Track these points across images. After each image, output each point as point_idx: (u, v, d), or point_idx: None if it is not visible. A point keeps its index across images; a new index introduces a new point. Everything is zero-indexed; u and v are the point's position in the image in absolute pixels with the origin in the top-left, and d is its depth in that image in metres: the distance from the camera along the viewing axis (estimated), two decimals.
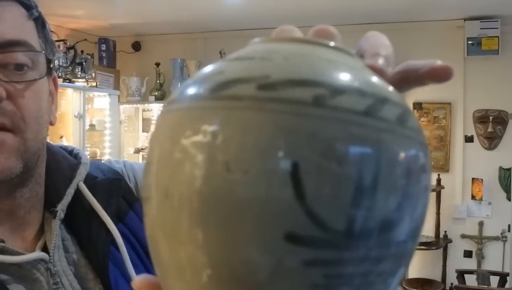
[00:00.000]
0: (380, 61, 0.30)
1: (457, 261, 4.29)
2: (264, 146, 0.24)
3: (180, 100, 0.29)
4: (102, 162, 0.77)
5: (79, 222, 0.65)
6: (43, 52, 0.61)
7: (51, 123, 0.64)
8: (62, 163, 0.68)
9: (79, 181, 0.66)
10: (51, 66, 0.63)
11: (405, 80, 0.31)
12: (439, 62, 0.32)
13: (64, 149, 0.72)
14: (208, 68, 0.30)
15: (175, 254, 0.27)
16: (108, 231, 0.64)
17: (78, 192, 0.66)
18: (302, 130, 0.24)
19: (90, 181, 0.68)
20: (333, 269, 0.25)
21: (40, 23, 0.62)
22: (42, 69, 0.61)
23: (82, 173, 0.67)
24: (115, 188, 0.69)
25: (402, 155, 0.26)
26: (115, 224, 0.65)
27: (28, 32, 0.60)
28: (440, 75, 0.31)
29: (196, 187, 0.25)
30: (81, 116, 4.15)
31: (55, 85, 0.66)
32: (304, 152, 0.24)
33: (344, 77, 0.26)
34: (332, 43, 0.30)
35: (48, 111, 0.63)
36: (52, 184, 0.66)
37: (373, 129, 0.25)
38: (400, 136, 0.27)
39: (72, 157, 0.71)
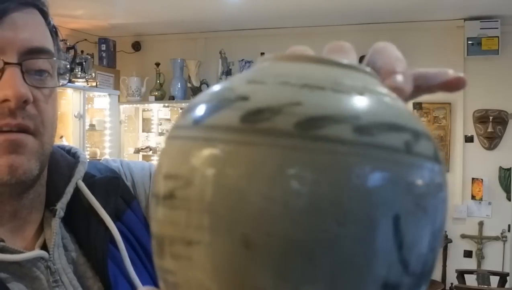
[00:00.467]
0: (399, 79, 0.30)
1: (457, 261, 4.29)
2: (370, 196, 0.24)
3: (239, 131, 0.25)
4: (99, 161, 0.77)
5: (78, 220, 0.66)
6: (65, 60, 0.65)
7: None
8: (60, 162, 0.68)
9: (77, 179, 0.67)
10: (69, 73, 0.67)
11: (417, 89, 0.31)
12: (451, 72, 0.32)
13: (62, 148, 0.72)
14: (270, 94, 0.26)
15: None
16: (107, 229, 0.65)
17: (77, 191, 0.66)
18: (401, 180, 0.25)
19: (88, 179, 0.68)
20: None
21: (54, 32, 0.64)
22: (58, 76, 0.64)
23: (80, 171, 0.68)
24: (113, 186, 0.69)
25: (447, 193, 0.29)
26: (114, 223, 0.65)
27: (49, 40, 0.62)
28: (454, 86, 0.32)
29: (292, 236, 0.24)
30: (81, 116, 4.15)
31: None
32: (403, 202, 0.25)
33: (411, 118, 0.27)
34: (369, 69, 0.30)
35: None
36: (52, 183, 0.66)
37: (441, 175, 0.27)
38: (445, 176, 0.28)
39: (70, 155, 0.71)
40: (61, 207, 0.64)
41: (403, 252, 0.25)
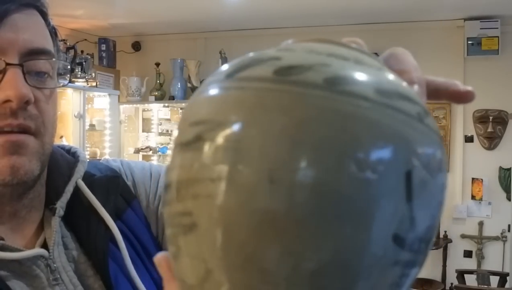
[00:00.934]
0: (417, 90, 0.31)
1: (457, 261, 4.29)
2: (387, 149, 0.27)
3: (272, 81, 0.27)
4: (100, 161, 0.78)
5: (78, 219, 0.66)
6: (64, 61, 0.65)
7: None
8: (60, 161, 0.68)
9: (77, 178, 0.67)
10: (69, 74, 0.67)
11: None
12: (460, 85, 0.33)
13: (62, 147, 0.73)
14: (300, 56, 0.29)
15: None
16: (107, 228, 0.65)
17: (77, 190, 0.67)
18: (413, 141, 0.27)
19: (88, 178, 0.68)
20: (407, 271, 0.28)
21: (53, 33, 0.65)
22: (58, 77, 0.64)
23: (80, 170, 0.68)
24: (113, 185, 0.69)
25: (446, 175, 0.31)
26: (114, 222, 0.66)
27: (49, 41, 0.63)
28: (463, 98, 0.33)
29: (315, 175, 0.26)
30: (81, 116, 4.16)
31: None
32: (415, 161, 0.27)
33: (420, 99, 0.30)
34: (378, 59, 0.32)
35: None
36: (52, 182, 0.66)
37: (443, 152, 0.30)
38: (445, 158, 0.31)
39: (70, 155, 0.71)
40: (61, 205, 0.64)
41: (412, 209, 0.27)
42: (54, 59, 0.62)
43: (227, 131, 0.27)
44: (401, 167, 0.27)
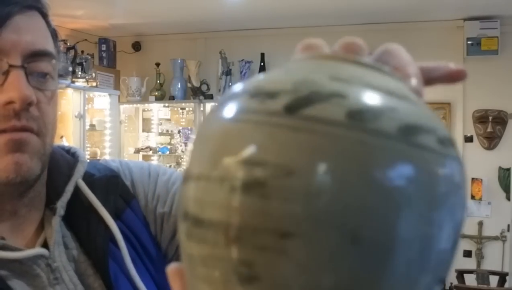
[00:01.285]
0: (415, 83, 0.31)
1: (456, 261, 4.28)
2: (451, 200, 0.27)
3: (347, 128, 0.26)
4: (99, 161, 0.78)
5: (78, 218, 0.66)
6: (66, 62, 0.65)
7: None
8: (60, 161, 0.69)
9: (77, 178, 0.67)
10: (70, 75, 0.67)
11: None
12: (451, 65, 0.34)
13: (61, 148, 0.73)
14: (365, 96, 0.27)
15: None
16: (107, 228, 0.65)
17: (76, 189, 0.67)
18: (463, 187, 0.29)
19: (88, 178, 0.69)
20: None
21: (54, 34, 0.65)
22: (58, 78, 0.65)
23: (80, 170, 0.68)
24: (113, 185, 0.70)
25: None
26: (113, 221, 0.66)
27: (50, 43, 0.63)
28: (456, 77, 0.34)
29: (396, 231, 0.25)
30: (81, 116, 4.16)
31: None
32: (462, 208, 0.29)
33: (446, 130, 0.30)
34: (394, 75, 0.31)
35: None
36: (52, 182, 0.67)
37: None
38: None
39: (69, 155, 0.72)
40: (61, 205, 0.65)
41: (453, 254, 0.28)
42: (56, 61, 0.63)
43: (302, 181, 0.25)
44: (457, 215, 0.28)
